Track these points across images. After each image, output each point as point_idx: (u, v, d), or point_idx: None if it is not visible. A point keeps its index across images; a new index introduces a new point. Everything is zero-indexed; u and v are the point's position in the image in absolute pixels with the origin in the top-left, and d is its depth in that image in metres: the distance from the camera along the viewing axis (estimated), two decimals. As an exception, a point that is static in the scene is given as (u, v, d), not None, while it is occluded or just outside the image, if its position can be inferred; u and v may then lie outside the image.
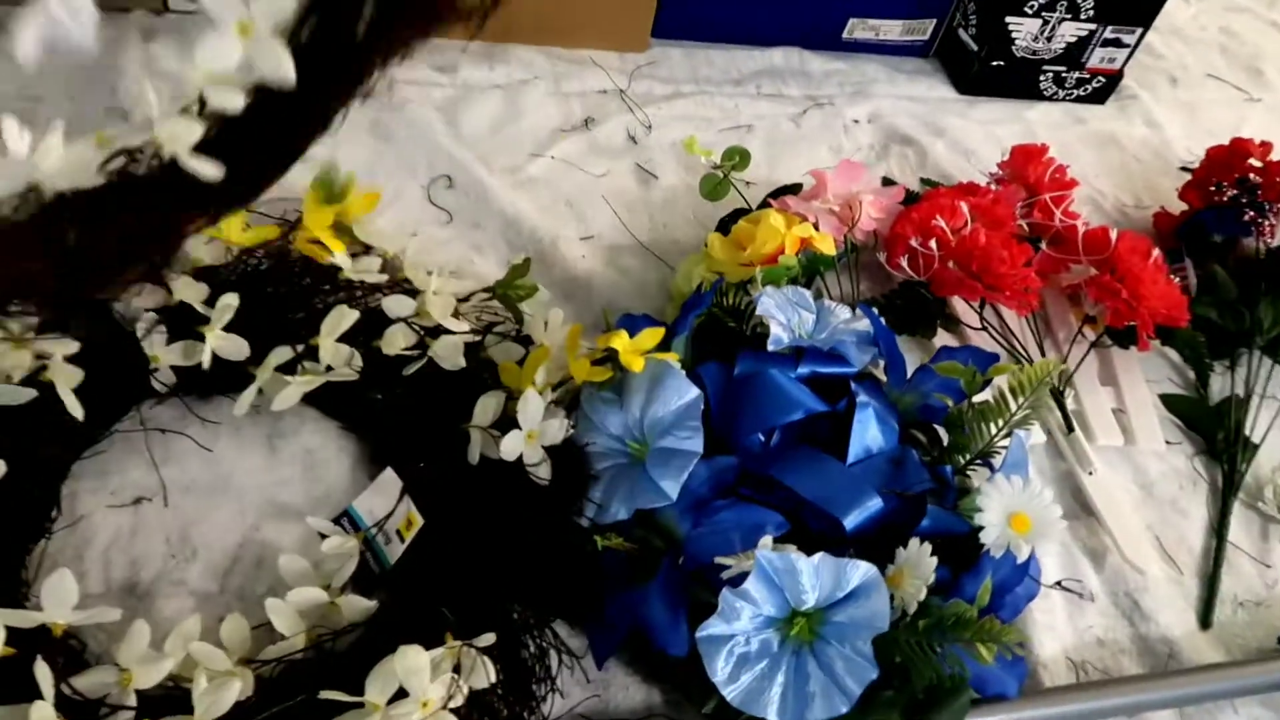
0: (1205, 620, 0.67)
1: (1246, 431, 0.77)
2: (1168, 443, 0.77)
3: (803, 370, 0.63)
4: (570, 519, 0.58)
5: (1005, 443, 0.60)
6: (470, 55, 0.95)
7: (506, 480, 0.59)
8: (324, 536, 0.57)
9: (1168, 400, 0.80)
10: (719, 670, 0.51)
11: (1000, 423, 0.60)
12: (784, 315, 0.65)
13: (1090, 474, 0.72)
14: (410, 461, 0.61)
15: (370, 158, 0.84)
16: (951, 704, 0.52)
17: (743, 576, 0.51)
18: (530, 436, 0.59)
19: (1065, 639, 0.64)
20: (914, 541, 0.54)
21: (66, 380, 0.56)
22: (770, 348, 0.63)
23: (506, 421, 0.60)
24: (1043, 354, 0.80)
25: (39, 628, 0.49)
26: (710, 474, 0.58)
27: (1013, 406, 0.59)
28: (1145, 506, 0.73)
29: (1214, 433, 0.77)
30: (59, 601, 0.48)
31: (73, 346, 0.56)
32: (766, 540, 0.52)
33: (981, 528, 0.56)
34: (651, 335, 0.61)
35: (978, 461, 0.61)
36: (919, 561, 0.53)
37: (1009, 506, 0.55)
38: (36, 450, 0.57)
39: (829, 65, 1.04)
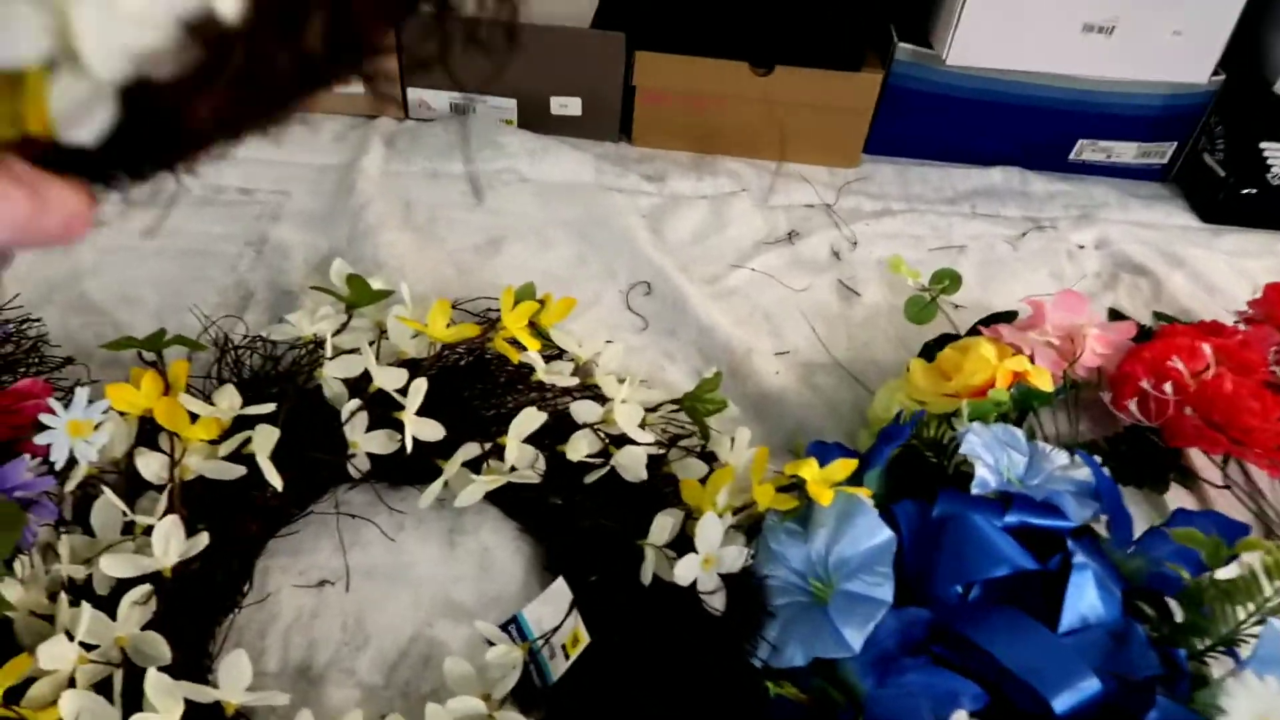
0: None
1: None
2: None
3: (1011, 519, 0.57)
4: (742, 657, 0.54)
5: (1256, 630, 0.51)
6: (679, 165, 0.96)
7: (678, 605, 0.56)
8: (490, 643, 0.56)
9: None
10: None
11: (1250, 607, 0.51)
12: (991, 455, 0.60)
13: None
14: (583, 572, 0.60)
15: (573, 259, 0.85)
16: None
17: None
18: (707, 562, 0.56)
19: None
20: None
21: (265, 450, 0.58)
22: (975, 491, 0.58)
23: (684, 540, 0.58)
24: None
25: (214, 704, 0.50)
26: (899, 626, 0.53)
27: (1267, 590, 0.51)
28: None
29: None
30: (234, 681, 0.49)
31: (272, 433, 0.59)
32: (961, 716, 0.47)
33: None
34: (843, 466, 0.57)
35: (1220, 649, 0.53)
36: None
37: (1262, 711, 0.47)
38: (238, 526, 0.60)
39: (1053, 186, 0.99)
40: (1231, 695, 0.47)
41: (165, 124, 0.25)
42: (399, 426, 0.62)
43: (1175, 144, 0.97)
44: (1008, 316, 0.77)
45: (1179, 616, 0.55)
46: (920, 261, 0.89)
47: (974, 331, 0.77)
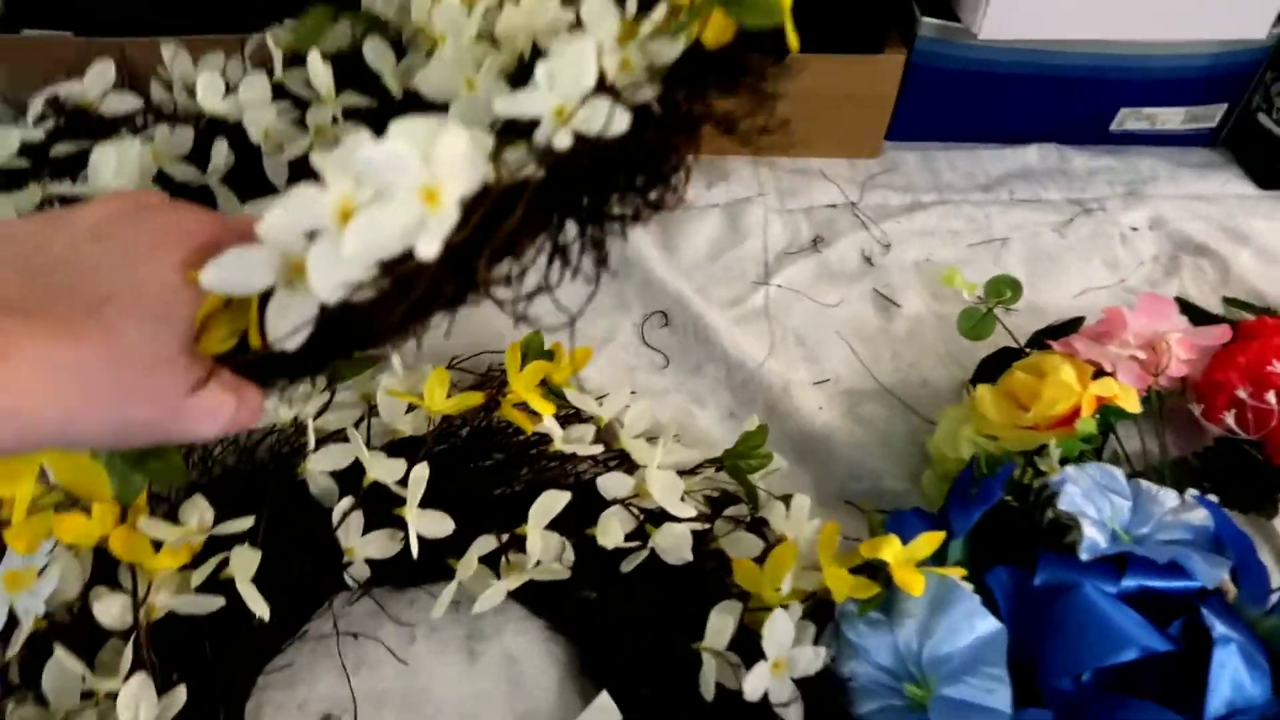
0: None
1: None
2: None
3: (1128, 584, 0.49)
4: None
5: None
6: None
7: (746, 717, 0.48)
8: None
9: None
10: None
11: None
12: (1094, 506, 0.51)
13: None
14: (629, 681, 0.52)
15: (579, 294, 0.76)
16: None
17: None
18: (777, 667, 0.48)
19: None
20: None
21: (246, 576, 0.49)
22: (1084, 556, 0.49)
23: (744, 635, 0.50)
24: None
25: None
26: (1018, 743, 0.44)
27: None
28: None
29: None
30: None
31: (252, 556, 0.50)
32: None
33: None
34: (929, 541, 0.49)
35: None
36: None
37: None
38: (221, 668, 0.51)
39: (1095, 162, 0.89)
40: None
41: (347, 334, 0.33)
42: (400, 523, 0.53)
43: (1225, 106, 0.88)
44: (1073, 325, 0.68)
45: (1339, 690, 0.47)
46: (961, 261, 0.80)
47: (1036, 342, 0.68)
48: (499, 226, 0.32)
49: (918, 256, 0.80)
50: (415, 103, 0.52)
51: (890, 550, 0.48)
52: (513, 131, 0.36)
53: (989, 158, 0.89)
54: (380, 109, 0.58)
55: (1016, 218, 0.84)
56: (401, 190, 0.29)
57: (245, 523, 0.51)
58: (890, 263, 0.80)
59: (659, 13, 0.39)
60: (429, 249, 0.29)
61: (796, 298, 0.76)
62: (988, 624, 0.46)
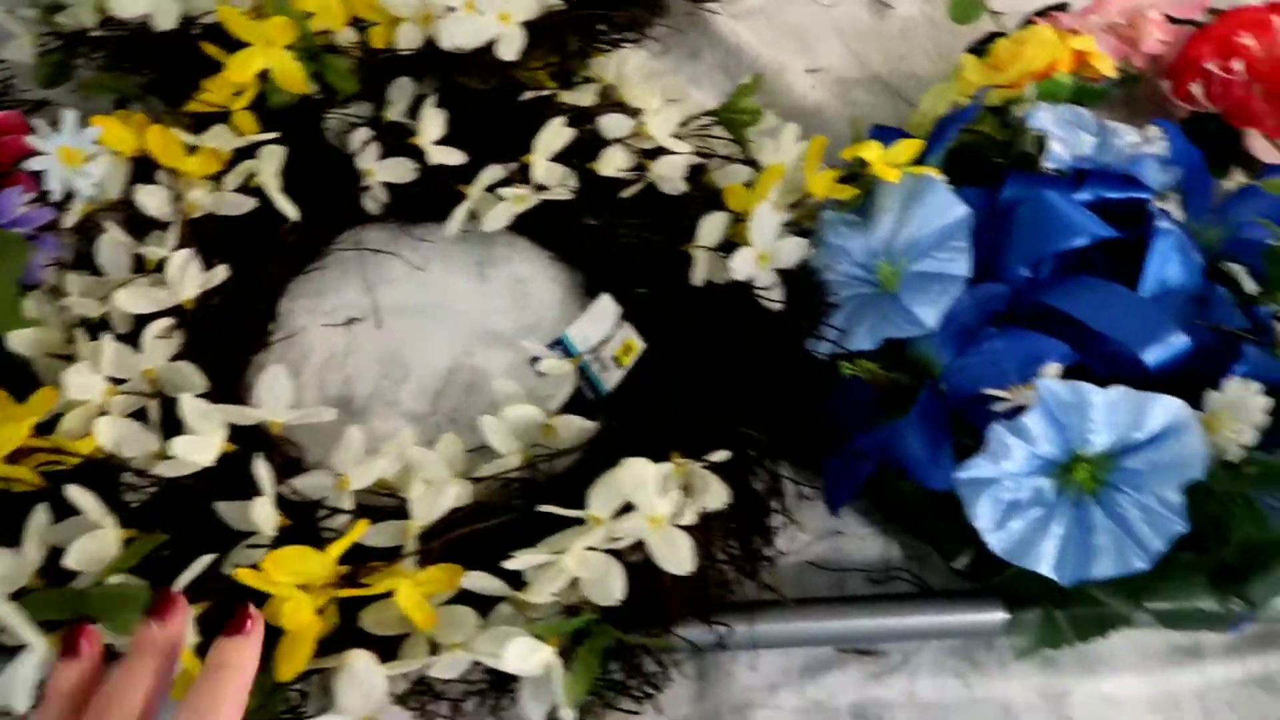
0: None
1: None
2: None
3: (1085, 195, 0.54)
4: (804, 347, 0.52)
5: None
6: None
7: (734, 305, 0.53)
8: (536, 364, 0.53)
9: None
10: (983, 515, 0.44)
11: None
12: (1064, 134, 0.55)
13: None
14: (628, 289, 0.57)
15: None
16: (1275, 570, 0.43)
17: (1016, 412, 0.43)
18: (763, 259, 0.53)
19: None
20: (1234, 380, 0.44)
21: (273, 173, 0.54)
22: (1048, 166, 0.54)
23: (733, 248, 0.54)
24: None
25: (258, 430, 0.47)
26: (975, 303, 0.50)
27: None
28: None
29: None
30: (275, 399, 0.46)
31: (277, 151, 0.54)
32: (1054, 368, 0.44)
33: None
34: (908, 147, 0.53)
35: (1308, 302, 0.50)
36: (1243, 403, 0.43)
37: (1367, 342, 0.44)
38: (256, 265, 0.56)
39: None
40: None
41: None
42: (417, 155, 0.58)
43: None
44: (1060, 7, 0.71)
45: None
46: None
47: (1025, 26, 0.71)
48: None
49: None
50: None
51: (872, 151, 0.52)
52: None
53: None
54: None
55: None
56: None
57: (270, 135, 0.55)
58: (884, -31, 0.81)
59: None
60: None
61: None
62: (957, 208, 0.50)
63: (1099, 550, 0.43)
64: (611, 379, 0.53)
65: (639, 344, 0.53)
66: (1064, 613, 0.45)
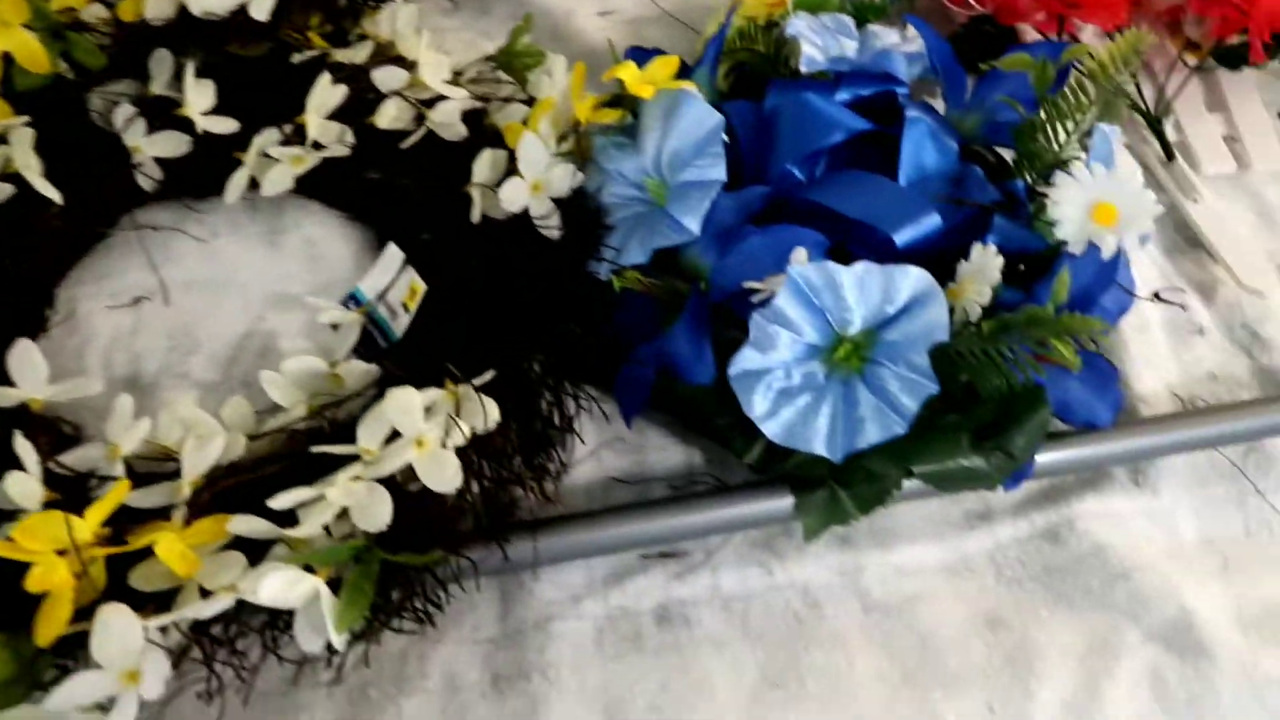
0: (1342, 347, 0.58)
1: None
2: (1291, 165, 0.66)
3: (843, 95, 0.55)
4: (585, 272, 0.52)
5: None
6: None
7: (514, 238, 0.53)
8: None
9: (1289, 118, 0.68)
10: (756, 405, 0.45)
11: (1077, 119, 0.51)
12: (820, 40, 0.57)
13: (1195, 202, 0.62)
14: (412, 235, 0.56)
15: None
16: (1027, 420, 0.45)
17: (772, 300, 0.45)
18: (536, 188, 0.53)
19: (1169, 374, 0.56)
20: (977, 246, 0.46)
21: (26, 150, 0.52)
22: (803, 70, 0.55)
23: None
24: (1137, 88, 0.69)
25: (22, 410, 0.46)
26: (737, 205, 0.51)
27: (1092, 95, 0.50)
28: (1264, 234, 0.63)
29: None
30: (29, 376, 0.45)
31: (28, 134, 0.53)
32: (800, 254, 0.46)
33: (1061, 242, 0.48)
34: (664, 65, 0.54)
35: (1053, 173, 0.52)
36: (984, 265, 0.45)
37: (1090, 197, 0.46)
38: (24, 254, 0.54)
39: None
40: (1061, 188, 0.47)
41: None
42: (189, 128, 0.56)
43: None
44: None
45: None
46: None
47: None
48: None
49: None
50: None
51: (628, 71, 0.53)
52: None
53: None
54: None
55: None
56: None
57: (20, 119, 0.53)
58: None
59: None
60: None
61: (581, -54, 0.79)
62: (711, 117, 0.51)
63: (863, 422, 0.44)
64: (401, 324, 0.53)
65: (421, 286, 0.53)
66: (846, 490, 0.47)
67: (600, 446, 0.52)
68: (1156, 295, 0.58)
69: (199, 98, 0.57)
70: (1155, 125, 0.65)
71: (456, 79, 0.61)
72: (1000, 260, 0.45)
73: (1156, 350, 0.56)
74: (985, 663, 0.45)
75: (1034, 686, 0.44)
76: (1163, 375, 0.56)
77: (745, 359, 0.45)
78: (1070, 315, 0.42)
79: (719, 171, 0.50)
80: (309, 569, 0.39)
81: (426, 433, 0.41)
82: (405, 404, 0.42)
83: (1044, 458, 0.49)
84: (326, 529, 0.41)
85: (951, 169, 0.53)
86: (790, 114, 0.54)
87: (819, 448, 0.45)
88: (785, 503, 0.48)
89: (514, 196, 0.52)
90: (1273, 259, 0.61)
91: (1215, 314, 0.59)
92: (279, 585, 0.37)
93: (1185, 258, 0.61)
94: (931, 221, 0.49)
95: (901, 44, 0.59)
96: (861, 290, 0.44)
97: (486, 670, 0.45)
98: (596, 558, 0.48)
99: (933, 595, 0.48)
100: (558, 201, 0.54)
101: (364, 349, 0.53)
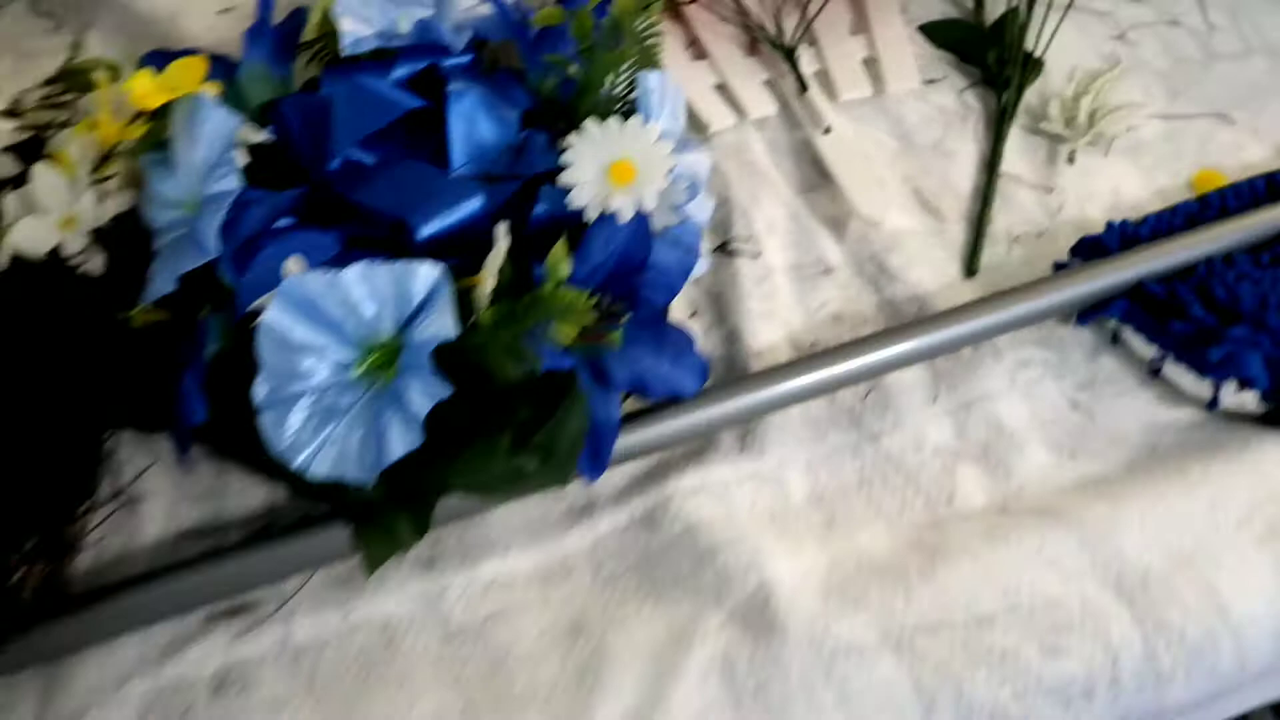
0: (971, 266, 0.55)
1: (1029, 47, 0.63)
2: (929, 81, 0.63)
3: (400, 73, 0.51)
4: (123, 311, 0.47)
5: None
6: None
7: (50, 282, 0.48)
8: None
9: (930, 30, 0.66)
10: (280, 441, 0.40)
11: (616, 72, 0.47)
12: (374, 12, 0.52)
13: (826, 133, 0.59)
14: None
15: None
16: (563, 411, 0.42)
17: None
18: (68, 223, 0.48)
19: (792, 323, 0.53)
20: (501, 227, 0.43)
21: None
22: (345, 50, 0.51)
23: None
24: (779, 28, 0.65)
25: None
26: (268, 213, 0.46)
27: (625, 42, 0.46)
28: (904, 158, 0.60)
29: (988, 56, 0.63)
30: None
31: None
32: (292, 263, 0.41)
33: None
34: (185, 67, 0.49)
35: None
36: (499, 251, 0.42)
37: (604, 155, 0.43)
38: None
39: None
40: (574, 149, 0.43)
41: None
42: None
43: None
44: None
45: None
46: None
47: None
48: None
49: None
50: None
51: (139, 81, 0.48)
52: None
53: None
54: None
55: None
56: None
57: None
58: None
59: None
60: None
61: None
62: (224, 121, 0.46)
63: (386, 436, 0.41)
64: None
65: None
66: (398, 514, 0.43)
67: (179, 500, 0.48)
68: (723, 246, 0.55)
69: None
70: (789, 56, 0.62)
71: (15, 107, 0.56)
72: (507, 240, 0.41)
73: (778, 300, 0.53)
74: (554, 680, 0.42)
75: (596, 700, 0.41)
76: (785, 325, 0.53)
77: (259, 390, 0.40)
78: (567, 294, 0.39)
79: (230, 182, 0.46)
80: None
81: None
82: None
83: (629, 439, 0.46)
84: None
85: (513, 139, 0.49)
86: (342, 99, 0.49)
87: (353, 473, 0.41)
88: (340, 537, 0.44)
89: (30, 236, 0.47)
90: (909, 181, 0.59)
91: (845, 250, 0.56)
92: None
93: (820, 194, 0.58)
94: (470, 205, 0.45)
95: (476, 7, 0.54)
96: (373, 291, 0.41)
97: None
98: (156, 625, 0.44)
99: (519, 609, 0.44)
100: (99, 233, 0.49)
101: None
